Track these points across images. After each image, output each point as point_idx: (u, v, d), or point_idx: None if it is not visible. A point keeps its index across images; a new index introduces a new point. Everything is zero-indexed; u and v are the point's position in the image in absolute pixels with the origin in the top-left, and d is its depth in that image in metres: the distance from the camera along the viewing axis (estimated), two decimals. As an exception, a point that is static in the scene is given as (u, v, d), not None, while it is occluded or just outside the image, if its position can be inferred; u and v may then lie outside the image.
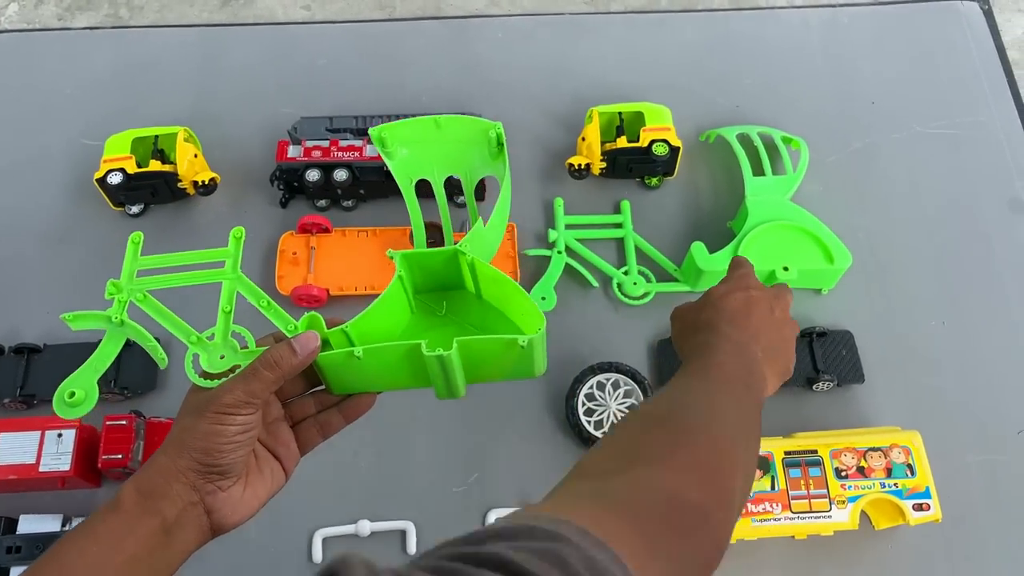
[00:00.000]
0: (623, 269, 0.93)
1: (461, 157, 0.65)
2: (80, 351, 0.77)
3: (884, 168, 1.00)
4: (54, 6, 1.08)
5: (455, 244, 0.59)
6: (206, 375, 0.53)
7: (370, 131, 0.65)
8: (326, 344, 0.55)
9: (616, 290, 0.91)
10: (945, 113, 1.03)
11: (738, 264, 0.72)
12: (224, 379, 0.53)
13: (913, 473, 0.75)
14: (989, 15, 1.10)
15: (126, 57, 1.07)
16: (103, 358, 0.55)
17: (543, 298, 0.90)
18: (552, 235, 0.94)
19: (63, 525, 0.79)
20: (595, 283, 0.91)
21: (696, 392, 0.57)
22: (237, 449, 0.52)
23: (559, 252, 0.93)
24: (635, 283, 0.92)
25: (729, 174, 0.98)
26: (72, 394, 0.53)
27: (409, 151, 0.66)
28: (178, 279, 0.55)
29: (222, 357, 0.54)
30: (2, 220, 0.96)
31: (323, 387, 0.59)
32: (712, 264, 0.87)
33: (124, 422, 0.80)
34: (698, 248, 0.88)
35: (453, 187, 0.92)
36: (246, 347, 0.54)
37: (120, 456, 0.78)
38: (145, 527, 0.50)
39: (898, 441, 0.77)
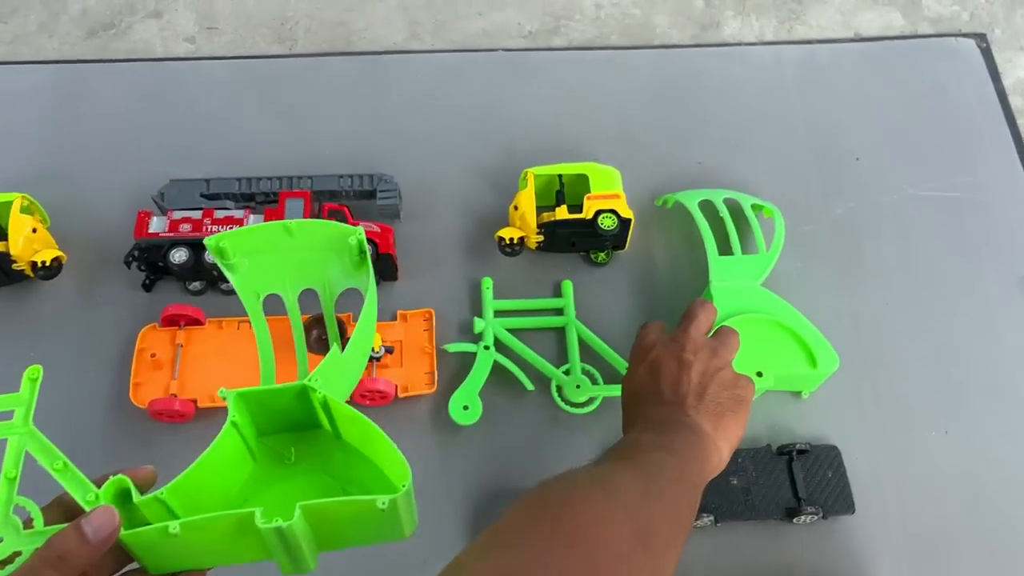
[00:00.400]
0: (564, 368, 0.76)
1: (317, 268, 0.56)
2: None
3: (872, 239, 0.84)
4: None
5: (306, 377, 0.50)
6: None
7: (206, 241, 0.51)
8: (136, 515, 0.45)
9: (555, 395, 0.75)
10: (941, 172, 0.88)
11: (690, 315, 0.67)
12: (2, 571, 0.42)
13: None
14: (988, 54, 0.95)
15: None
16: None
17: (465, 407, 0.73)
18: (478, 325, 0.77)
19: None
20: (530, 386, 0.75)
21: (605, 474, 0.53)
22: None
23: (486, 347, 0.76)
24: (578, 386, 0.75)
25: (690, 244, 0.82)
26: None
27: (253, 262, 0.55)
28: None
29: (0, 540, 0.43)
30: None
31: (137, 566, 0.47)
32: None
33: None
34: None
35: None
36: (31, 527, 0.43)
37: None
38: None
39: None
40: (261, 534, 0.44)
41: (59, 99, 0.88)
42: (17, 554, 0.43)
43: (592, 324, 0.78)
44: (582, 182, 0.80)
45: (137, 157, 0.85)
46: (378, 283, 0.76)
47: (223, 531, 0.45)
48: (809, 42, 0.96)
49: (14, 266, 0.76)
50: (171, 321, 0.75)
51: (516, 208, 0.80)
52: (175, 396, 0.72)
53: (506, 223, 0.81)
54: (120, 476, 0.45)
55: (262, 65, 0.91)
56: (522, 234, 0.79)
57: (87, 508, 0.44)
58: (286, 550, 0.46)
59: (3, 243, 0.75)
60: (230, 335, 0.76)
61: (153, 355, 0.74)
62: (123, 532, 0.43)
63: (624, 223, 0.78)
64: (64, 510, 0.45)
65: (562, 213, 0.78)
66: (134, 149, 0.86)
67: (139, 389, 0.73)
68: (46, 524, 0.43)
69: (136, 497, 0.45)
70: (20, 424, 0.45)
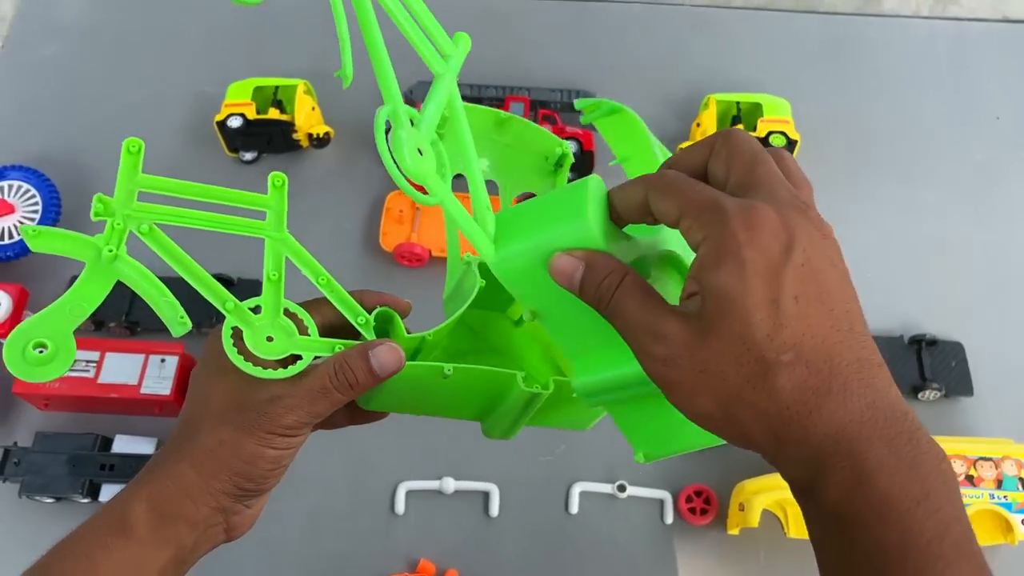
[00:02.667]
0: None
1: (512, 164, 0.55)
2: (182, 284, 0.68)
3: (1007, 184, 0.97)
4: (183, -41, 1.11)
5: None
6: (252, 359, 0.41)
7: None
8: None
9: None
10: (1074, 133, 1.00)
11: (786, 160, 0.37)
12: (280, 371, 0.41)
13: (1026, 488, 0.72)
14: None
15: (252, 10, 1.09)
16: (83, 300, 0.39)
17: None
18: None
19: (156, 448, 0.80)
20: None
21: None
22: (283, 473, 0.44)
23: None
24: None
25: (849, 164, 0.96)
26: (40, 346, 0.38)
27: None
28: (199, 219, 0.41)
29: (270, 339, 0.41)
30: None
31: None
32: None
33: (225, 354, 0.81)
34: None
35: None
36: (305, 333, 0.43)
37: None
38: (158, 561, 0.41)
39: (1011, 453, 0.73)
40: (505, 395, 0.46)
41: (325, 13, 1.09)
42: (294, 361, 0.42)
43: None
44: (756, 110, 0.95)
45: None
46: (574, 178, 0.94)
47: (472, 384, 0.46)
48: (959, 19, 1.09)
49: (294, 135, 0.95)
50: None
51: (698, 125, 0.95)
52: (416, 242, 0.90)
53: (687, 140, 0.97)
54: (386, 308, 0.45)
55: (492, 2, 1.10)
56: (702, 147, 0.94)
57: (360, 329, 0.44)
58: (510, 416, 0.47)
59: (288, 115, 0.95)
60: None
61: (400, 211, 0.92)
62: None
63: (791, 143, 0.92)
64: (321, 324, 0.44)
65: (739, 131, 0.93)
66: (382, 59, 1.05)
67: (386, 237, 0.91)
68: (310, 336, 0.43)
69: (401, 332, 0.45)
70: (272, 227, 0.42)
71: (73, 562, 0.40)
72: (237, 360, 0.41)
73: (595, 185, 0.38)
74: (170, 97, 1.03)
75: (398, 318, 0.45)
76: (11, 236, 0.89)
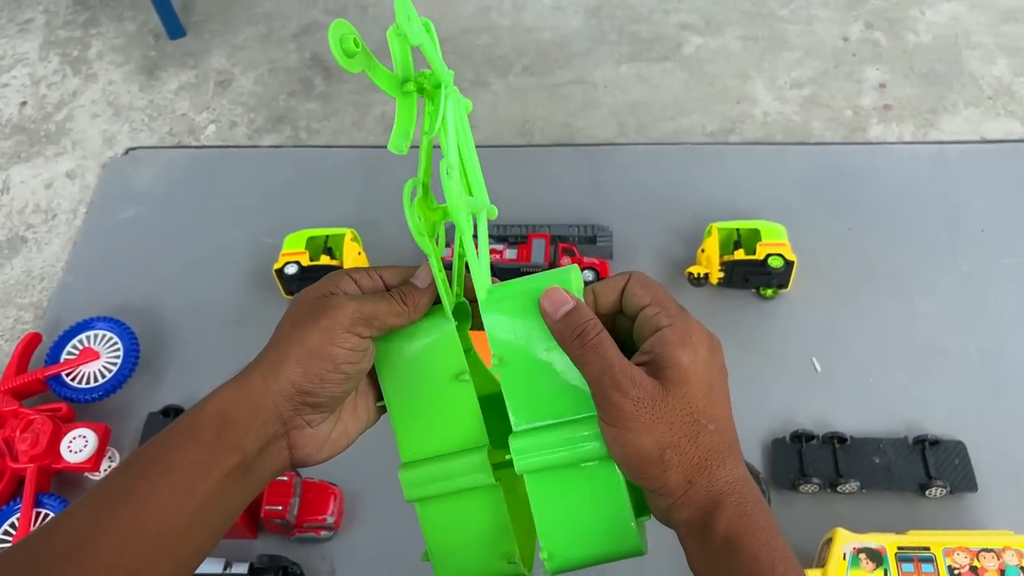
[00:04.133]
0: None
1: None
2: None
3: (994, 291, 1.04)
4: (245, 128, 1.27)
5: None
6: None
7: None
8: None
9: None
10: (1053, 241, 1.08)
11: (650, 286, 0.49)
12: (430, 241, 0.50)
13: (1028, 577, 0.77)
14: (1097, 152, 1.15)
15: (303, 171, 1.24)
16: None
17: None
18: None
19: (224, 568, 0.88)
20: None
21: None
22: (343, 383, 0.47)
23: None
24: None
25: (844, 289, 1.05)
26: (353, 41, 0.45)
27: None
28: None
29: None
30: (191, 303, 1.12)
31: None
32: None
33: (285, 478, 0.90)
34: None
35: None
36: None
37: (280, 508, 0.88)
38: (224, 465, 0.44)
39: (1011, 544, 0.79)
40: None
41: (364, 171, 1.23)
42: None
43: (756, 350, 1.02)
44: (755, 235, 1.05)
45: (421, 212, 1.17)
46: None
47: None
48: (941, 143, 1.20)
49: (342, 278, 1.08)
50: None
51: (703, 251, 1.06)
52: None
53: (694, 264, 1.07)
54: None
55: (509, 152, 1.23)
56: (707, 270, 1.04)
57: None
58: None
59: (338, 260, 1.07)
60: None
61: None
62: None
63: (788, 264, 1.02)
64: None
65: (740, 255, 1.03)
66: (418, 207, 1.18)
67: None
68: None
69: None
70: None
71: (150, 462, 0.44)
72: (410, 212, 0.48)
73: (576, 270, 0.50)
74: (232, 249, 1.16)
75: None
76: (96, 380, 1.01)
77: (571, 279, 0.49)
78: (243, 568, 0.87)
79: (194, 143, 1.29)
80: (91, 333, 1.04)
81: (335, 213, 1.18)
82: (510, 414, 0.50)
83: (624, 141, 1.24)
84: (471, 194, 0.53)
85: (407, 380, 0.51)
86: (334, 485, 0.93)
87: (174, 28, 1.50)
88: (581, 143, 1.24)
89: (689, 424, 0.45)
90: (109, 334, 1.04)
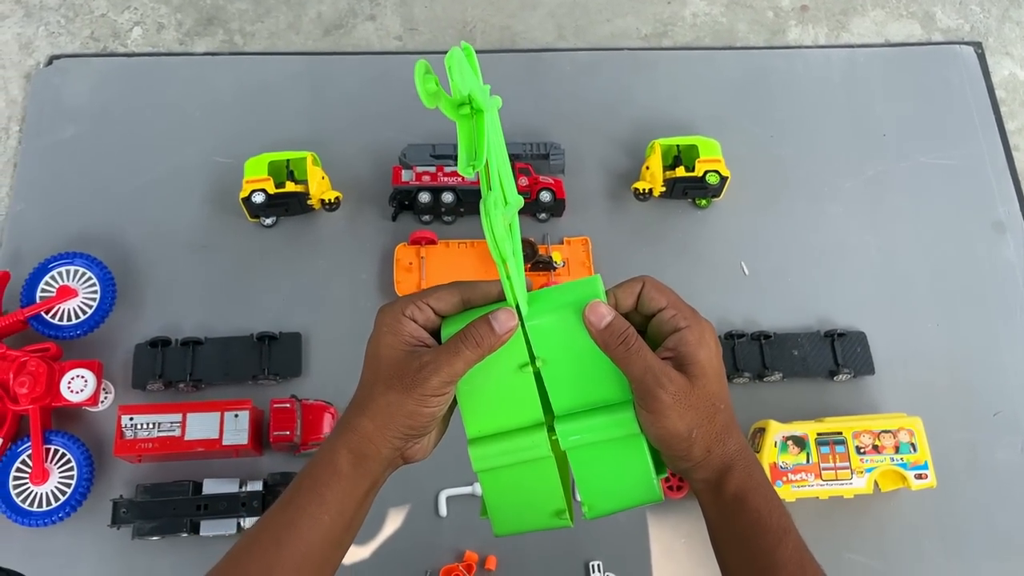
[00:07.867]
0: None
1: None
2: (232, 344, 1.05)
3: (891, 193, 1.20)
4: (174, 31, 1.22)
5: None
6: None
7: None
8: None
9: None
10: (943, 146, 1.23)
11: (663, 290, 0.60)
12: None
13: (915, 450, 0.97)
14: (982, 58, 1.29)
15: (244, 82, 1.22)
16: None
17: None
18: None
19: (240, 486, 0.98)
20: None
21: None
22: (438, 419, 0.59)
23: (627, 263, 1.12)
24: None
25: (770, 196, 1.18)
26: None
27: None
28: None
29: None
30: (154, 229, 1.13)
31: None
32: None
33: (288, 405, 0.99)
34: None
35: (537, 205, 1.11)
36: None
37: (287, 433, 0.97)
38: (361, 489, 0.58)
39: (904, 425, 0.98)
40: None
41: (312, 83, 1.23)
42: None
43: (693, 257, 1.14)
44: (692, 151, 1.15)
45: (372, 126, 1.20)
46: (548, 218, 1.13)
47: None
48: (851, 46, 1.30)
49: (308, 202, 1.11)
50: (416, 241, 1.11)
51: (647, 168, 1.15)
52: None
53: (637, 177, 1.17)
54: None
55: (452, 58, 1.25)
56: (651, 186, 1.14)
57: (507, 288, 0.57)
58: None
59: (302, 185, 1.10)
60: (454, 251, 1.12)
61: (409, 263, 1.10)
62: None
63: (723, 179, 1.13)
64: (453, 296, 0.59)
65: (681, 172, 1.13)
66: (369, 120, 1.21)
67: (400, 285, 1.09)
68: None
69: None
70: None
71: (309, 496, 0.57)
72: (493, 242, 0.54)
73: (600, 280, 0.60)
74: (187, 170, 1.17)
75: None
76: (77, 316, 1.04)
77: (598, 288, 0.59)
78: (258, 485, 0.98)
79: (121, 49, 1.24)
80: (62, 270, 1.05)
81: (286, 129, 1.19)
82: (552, 402, 0.61)
83: (564, 46, 1.28)
84: (506, 201, 0.59)
85: (478, 370, 0.59)
86: (330, 404, 1.02)
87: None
88: (522, 48, 1.27)
89: (709, 407, 0.57)
90: (82, 270, 1.05)
